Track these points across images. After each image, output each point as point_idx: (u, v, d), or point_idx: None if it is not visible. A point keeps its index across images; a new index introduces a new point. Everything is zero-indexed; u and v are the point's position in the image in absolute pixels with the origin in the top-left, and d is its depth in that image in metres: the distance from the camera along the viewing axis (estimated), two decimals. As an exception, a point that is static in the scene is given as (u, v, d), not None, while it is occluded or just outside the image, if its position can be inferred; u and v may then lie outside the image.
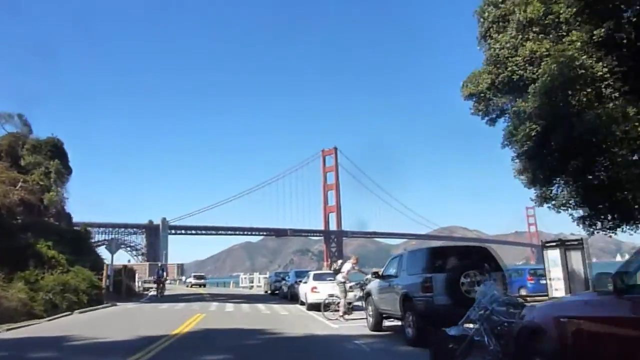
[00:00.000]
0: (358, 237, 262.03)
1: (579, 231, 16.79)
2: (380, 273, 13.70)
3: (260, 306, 23.36)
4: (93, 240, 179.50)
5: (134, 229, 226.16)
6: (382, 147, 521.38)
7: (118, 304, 24.14)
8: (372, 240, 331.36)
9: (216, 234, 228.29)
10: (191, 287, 57.98)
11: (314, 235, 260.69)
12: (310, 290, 20.73)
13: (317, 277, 21.89)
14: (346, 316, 16.95)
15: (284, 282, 30.21)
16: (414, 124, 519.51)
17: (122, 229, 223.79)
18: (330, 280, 20.84)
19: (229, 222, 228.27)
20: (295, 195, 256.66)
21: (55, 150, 36.33)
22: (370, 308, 14.07)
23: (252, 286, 46.17)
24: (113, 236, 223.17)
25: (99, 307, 21.66)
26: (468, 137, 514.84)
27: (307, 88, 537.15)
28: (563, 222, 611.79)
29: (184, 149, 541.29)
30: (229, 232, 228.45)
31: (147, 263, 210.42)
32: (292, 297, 26.40)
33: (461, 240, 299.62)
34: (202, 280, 62.37)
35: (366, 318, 14.39)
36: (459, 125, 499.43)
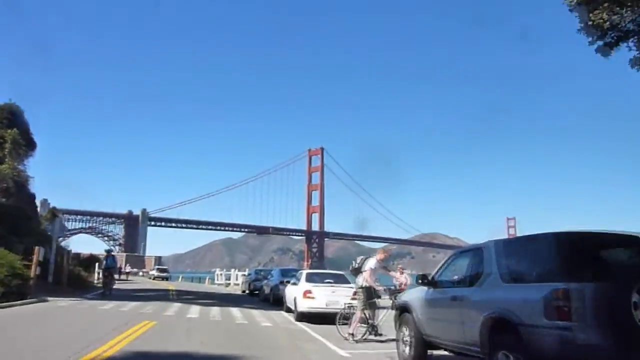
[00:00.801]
0: (339, 239, 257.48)
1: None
2: (431, 277, 8.26)
3: (235, 311, 17.66)
4: (70, 228, 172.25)
5: (113, 219, 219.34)
6: (370, 149, 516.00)
7: (50, 299, 18.15)
8: (353, 243, 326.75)
9: (196, 228, 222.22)
10: (154, 279, 55.29)
11: (295, 235, 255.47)
12: (303, 295, 15.18)
13: (313, 278, 16.31)
14: (358, 336, 11.53)
15: (265, 281, 24.56)
16: (409, 124, 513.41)
17: (101, 218, 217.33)
18: (333, 283, 15.43)
19: (211, 217, 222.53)
20: (279, 193, 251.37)
21: (13, 119, 31.06)
22: (406, 331, 8.68)
23: (228, 284, 40.53)
24: (91, 225, 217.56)
25: (15, 303, 15.71)
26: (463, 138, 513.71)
27: (297, 86, 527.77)
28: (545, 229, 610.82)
29: (170, 141, 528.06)
30: (210, 227, 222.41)
31: (125, 254, 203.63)
32: (275, 301, 20.84)
33: (441, 247, 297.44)
34: (165, 274, 59.47)
35: (397, 344, 9.03)
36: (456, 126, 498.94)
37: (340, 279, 16.50)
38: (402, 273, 20.04)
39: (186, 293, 27.46)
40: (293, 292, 16.44)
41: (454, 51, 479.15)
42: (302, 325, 14.39)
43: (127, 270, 58.86)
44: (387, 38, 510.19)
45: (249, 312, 17.56)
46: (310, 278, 16.29)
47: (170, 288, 33.37)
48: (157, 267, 72.97)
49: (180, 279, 66.97)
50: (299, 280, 16.64)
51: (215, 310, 17.55)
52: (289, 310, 17.48)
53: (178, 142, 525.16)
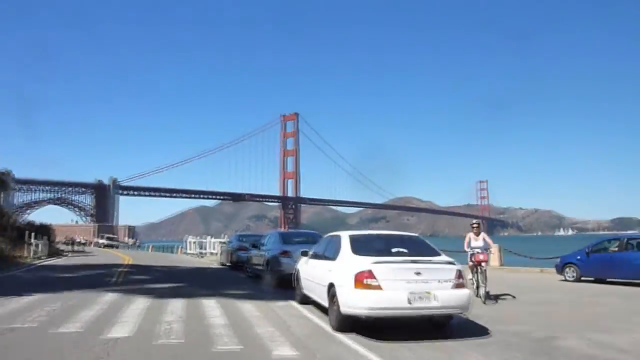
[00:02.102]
0: (315, 204, 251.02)
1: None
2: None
3: (212, 309, 9.27)
4: (37, 199, 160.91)
5: (83, 189, 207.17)
6: (345, 113, 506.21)
7: None
8: (327, 209, 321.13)
9: (170, 197, 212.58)
10: (104, 247, 54.76)
11: (271, 201, 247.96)
12: (356, 280, 6.90)
13: (367, 248, 7.85)
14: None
15: (255, 252, 16.17)
16: (377, 88, 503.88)
17: (70, 188, 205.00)
18: (411, 257, 7.35)
19: (185, 185, 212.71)
20: (253, 160, 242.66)
21: None
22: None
23: (202, 254, 32.27)
24: (60, 196, 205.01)
25: None
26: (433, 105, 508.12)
27: (271, 51, 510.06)
28: (512, 196, 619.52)
29: (142, 107, 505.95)
30: (184, 195, 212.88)
31: (96, 224, 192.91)
32: (277, 283, 12.76)
33: (415, 210, 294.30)
34: (115, 242, 60.32)
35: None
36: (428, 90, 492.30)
37: (421, 248, 8.10)
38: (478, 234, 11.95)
39: (143, 270, 19.10)
40: (323, 275, 8.15)
41: None
42: (357, 347, 6.29)
43: (81, 241, 51.19)
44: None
45: (236, 309, 9.25)
46: (361, 247, 7.90)
47: (125, 261, 24.91)
48: (106, 235, 73.62)
49: (150, 249, 58.56)
50: (335, 251, 8.28)
51: (174, 308, 9.16)
52: (304, 300, 9.78)
53: (149, 108, 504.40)
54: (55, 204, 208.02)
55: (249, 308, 9.51)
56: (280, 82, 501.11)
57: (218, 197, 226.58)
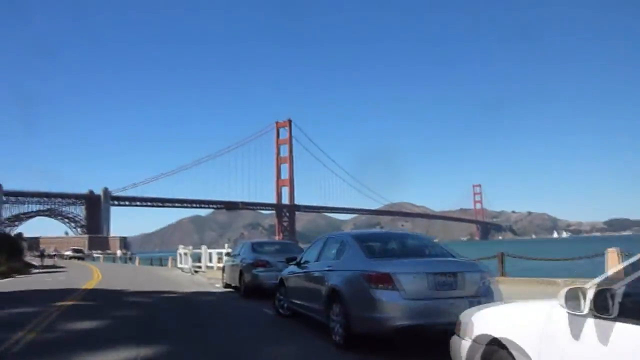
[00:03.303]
0: (310, 211, 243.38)
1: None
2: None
3: None
4: (26, 211, 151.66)
5: (74, 200, 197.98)
6: (338, 120, 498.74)
7: None
8: (322, 216, 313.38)
9: (162, 206, 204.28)
10: (70, 259, 53.65)
11: (265, 209, 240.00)
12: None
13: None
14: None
15: (297, 271, 8.38)
16: (371, 96, 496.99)
17: (60, 199, 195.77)
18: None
19: (178, 194, 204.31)
20: (247, 167, 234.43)
21: None
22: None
23: (197, 269, 24.38)
24: (50, 207, 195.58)
25: None
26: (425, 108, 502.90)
27: (263, 59, 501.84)
28: (507, 200, 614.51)
29: (132, 117, 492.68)
30: (177, 205, 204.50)
31: (87, 236, 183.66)
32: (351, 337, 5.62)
33: (409, 215, 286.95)
34: (80, 254, 59.93)
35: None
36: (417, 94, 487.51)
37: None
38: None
39: (104, 302, 10.99)
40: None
41: None
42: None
43: (53, 253, 43.86)
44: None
45: None
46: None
47: (88, 284, 17.07)
48: (72, 248, 70.79)
49: (137, 262, 50.46)
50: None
51: None
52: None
53: (141, 118, 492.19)
54: (45, 216, 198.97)
55: None
56: (275, 89, 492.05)
57: (212, 206, 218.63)
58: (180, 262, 26.62)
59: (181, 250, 26.62)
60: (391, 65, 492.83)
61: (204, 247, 25.45)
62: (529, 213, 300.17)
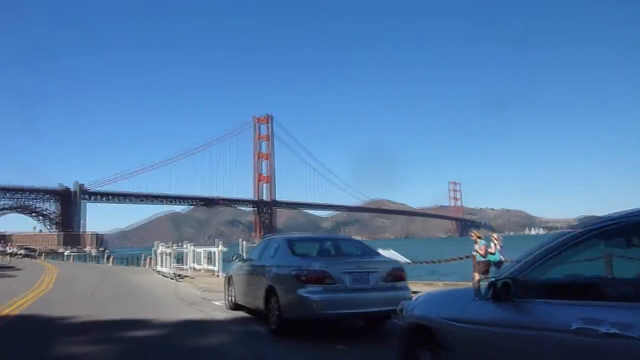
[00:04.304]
0: (290, 208, 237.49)
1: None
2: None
3: None
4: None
5: (47, 195, 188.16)
6: (318, 117, 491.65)
7: None
8: (301, 213, 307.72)
9: (140, 202, 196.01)
10: (22, 258, 50.55)
11: (244, 206, 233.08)
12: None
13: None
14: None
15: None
16: (353, 93, 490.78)
17: (32, 195, 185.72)
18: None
19: (155, 190, 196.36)
20: (226, 163, 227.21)
21: None
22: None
23: (180, 275, 18.22)
24: (22, 203, 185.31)
25: None
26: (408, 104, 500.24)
27: (242, 55, 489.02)
28: (485, 197, 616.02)
29: (110, 110, 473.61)
30: (154, 201, 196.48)
31: (59, 232, 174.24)
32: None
33: (388, 212, 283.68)
34: (33, 253, 58.13)
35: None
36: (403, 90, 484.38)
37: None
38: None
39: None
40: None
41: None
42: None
43: (6, 251, 37.67)
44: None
45: None
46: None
47: (26, 297, 11.32)
48: (25, 246, 67.41)
49: (110, 260, 44.27)
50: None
51: None
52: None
53: (116, 111, 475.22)
54: (16, 212, 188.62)
55: None
56: (254, 83, 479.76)
57: (190, 202, 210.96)
58: (160, 264, 20.71)
59: (161, 249, 20.64)
60: (378, 65, 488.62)
61: (189, 245, 19.72)
62: (507, 210, 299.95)
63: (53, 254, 67.43)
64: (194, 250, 19.41)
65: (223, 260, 16.78)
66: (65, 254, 62.60)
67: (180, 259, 20.21)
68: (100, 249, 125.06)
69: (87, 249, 67.27)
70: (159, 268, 20.34)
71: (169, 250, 18.60)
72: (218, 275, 16.98)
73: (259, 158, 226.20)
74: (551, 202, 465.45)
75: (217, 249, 17.38)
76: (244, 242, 17.47)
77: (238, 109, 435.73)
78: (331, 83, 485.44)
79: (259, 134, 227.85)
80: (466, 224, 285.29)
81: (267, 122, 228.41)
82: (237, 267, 9.24)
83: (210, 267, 18.19)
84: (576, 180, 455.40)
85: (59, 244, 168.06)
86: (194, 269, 19.01)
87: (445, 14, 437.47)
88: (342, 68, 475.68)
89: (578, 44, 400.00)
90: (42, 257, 57.25)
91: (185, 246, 19.90)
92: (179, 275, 17.51)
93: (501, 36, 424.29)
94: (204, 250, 18.86)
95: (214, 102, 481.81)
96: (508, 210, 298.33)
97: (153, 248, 21.25)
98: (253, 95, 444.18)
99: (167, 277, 18.21)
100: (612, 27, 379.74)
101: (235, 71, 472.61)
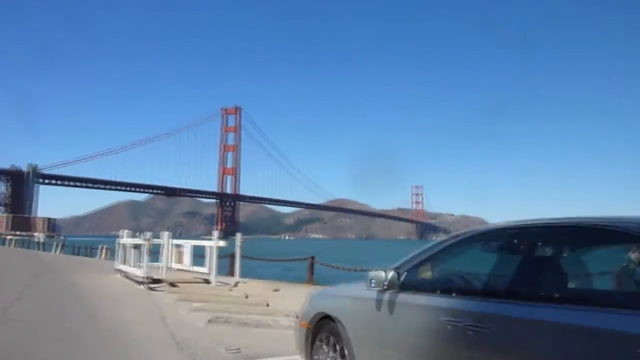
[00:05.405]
0: (253, 202, 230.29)
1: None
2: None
3: None
4: None
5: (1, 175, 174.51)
6: (287, 112, 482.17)
7: None
8: (264, 208, 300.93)
9: (97, 188, 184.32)
10: None
11: (205, 197, 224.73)
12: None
13: None
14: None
15: None
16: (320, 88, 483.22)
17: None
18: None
19: (114, 176, 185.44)
20: (189, 153, 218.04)
21: None
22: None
23: (153, 278, 12.12)
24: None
25: None
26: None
27: (215, 45, 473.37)
28: (446, 202, 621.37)
29: (71, 91, 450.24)
30: (112, 187, 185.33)
31: (7, 215, 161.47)
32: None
33: (351, 212, 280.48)
34: None
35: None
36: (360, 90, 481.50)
37: None
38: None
39: None
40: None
41: None
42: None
43: None
44: None
45: None
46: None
47: None
48: None
49: (59, 250, 37.19)
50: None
51: None
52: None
53: (78, 91, 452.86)
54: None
55: None
56: (220, 71, 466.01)
57: (150, 190, 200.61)
58: (123, 261, 14.69)
59: (128, 240, 14.61)
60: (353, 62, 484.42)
61: (166, 235, 13.90)
62: (465, 217, 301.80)
63: (-7, 238, 59.23)
64: (175, 245, 13.65)
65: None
66: (8, 238, 54.59)
67: (155, 253, 14.26)
68: (52, 234, 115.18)
69: (36, 234, 58.28)
70: (122, 266, 14.42)
71: (141, 242, 12.69)
72: (209, 282, 11.57)
73: (224, 150, 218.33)
74: (510, 210, 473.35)
75: (212, 244, 11.81)
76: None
77: (208, 98, 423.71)
78: (311, 80, 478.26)
79: (226, 126, 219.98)
80: (425, 227, 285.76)
81: (236, 114, 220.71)
82: (372, 306, 3.59)
83: (199, 269, 12.56)
84: (533, 186, 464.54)
85: (7, 228, 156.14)
86: (170, 268, 13.32)
87: (444, 17, 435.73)
88: (332, 65, 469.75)
89: (577, 51, 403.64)
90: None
91: (161, 237, 14.00)
92: (153, 280, 11.77)
93: (499, 40, 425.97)
94: (190, 243, 13.14)
95: (190, 94, 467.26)
96: (467, 217, 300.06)
97: (117, 238, 15.11)
98: (224, 89, 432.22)
99: (136, 281, 12.42)
100: (612, 33, 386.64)
101: (216, 62, 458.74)
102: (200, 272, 12.69)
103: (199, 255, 13.18)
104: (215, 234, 12.63)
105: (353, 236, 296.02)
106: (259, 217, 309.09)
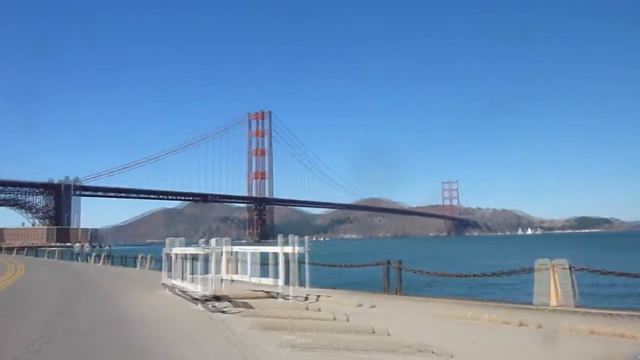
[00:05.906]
0: (284, 205, 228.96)
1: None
2: None
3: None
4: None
5: (38, 189, 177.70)
6: (317, 114, 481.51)
7: None
8: (294, 210, 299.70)
9: (135, 197, 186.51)
10: None
11: (236, 202, 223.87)
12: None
13: None
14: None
15: None
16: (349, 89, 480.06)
17: (23, 189, 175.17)
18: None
19: (148, 185, 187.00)
20: (219, 159, 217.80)
21: None
22: None
23: (213, 298, 10.14)
24: (13, 197, 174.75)
25: None
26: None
27: (241, 50, 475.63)
28: (483, 196, 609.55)
29: (100, 103, 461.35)
30: (148, 196, 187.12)
31: (47, 227, 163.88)
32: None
33: (382, 211, 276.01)
34: None
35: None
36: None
37: None
38: None
39: None
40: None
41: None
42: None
43: None
44: None
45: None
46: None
47: None
48: None
49: (101, 260, 35.35)
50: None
51: None
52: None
53: (112, 106, 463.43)
54: (7, 207, 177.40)
55: None
56: (250, 78, 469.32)
57: (183, 197, 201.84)
58: (174, 275, 12.49)
59: (182, 249, 12.31)
60: (380, 60, 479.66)
61: (223, 241, 11.69)
62: (503, 210, 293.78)
63: (35, 250, 59.29)
64: (232, 252, 11.44)
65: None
66: (48, 250, 54.21)
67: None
68: (93, 244, 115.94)
69: (76, 245, 57.55)
70: (173, 281, 12.28)
71: (196, 252, 10.45)
72: (275, 296, 9.41)
73: (255, 154, 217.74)
74: (548, 202, 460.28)
75: (289, 250, 9.54)
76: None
77: (234, 105, 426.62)
78: (331, 79, 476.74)
79: (256, 130, 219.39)
80: (462, 223, 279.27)
81: (263, 118, 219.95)
82: None
83: (264, 281, 10.31)
84: (574, 180, 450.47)
85: (49, 239, 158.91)
86: (231, 280, 11.17)
87: (446, 13, 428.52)
88: (345, 63, 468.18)
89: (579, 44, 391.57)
90: (14, 253, 49.35)
91: (213, 244, 11.68)
92: (215, 297, 9.57)
93: (502, 33, 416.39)
94: (251, 252, 10.87)
95: (210, 98, 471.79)
96: (504, 210, 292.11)
97: (164, 249, 12.93)
98: (251, 92, 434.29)
99: (190, 298, 10.27)
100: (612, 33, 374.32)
101: (234, 66, 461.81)
102: (263, 284, 10.46)
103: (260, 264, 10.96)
104: (280, 239, 10.24)
105: (388, 234, 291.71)
106: (289, 220, 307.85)
